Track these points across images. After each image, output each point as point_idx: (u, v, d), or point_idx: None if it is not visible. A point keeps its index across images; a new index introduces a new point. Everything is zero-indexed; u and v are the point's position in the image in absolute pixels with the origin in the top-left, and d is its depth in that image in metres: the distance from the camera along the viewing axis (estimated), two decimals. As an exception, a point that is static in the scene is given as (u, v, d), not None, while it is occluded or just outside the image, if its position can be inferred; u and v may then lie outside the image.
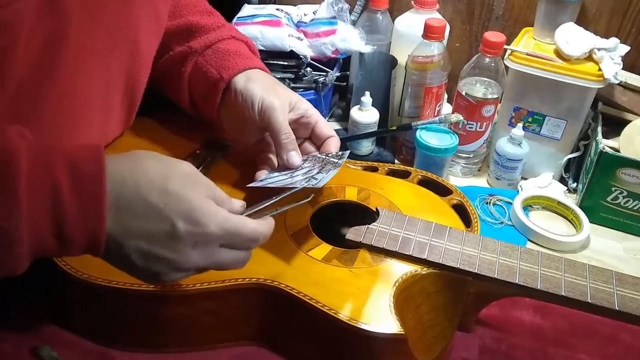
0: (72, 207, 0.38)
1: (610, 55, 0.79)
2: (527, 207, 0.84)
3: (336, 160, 0.62)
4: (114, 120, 0.64)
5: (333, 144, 0.65)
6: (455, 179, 0.91)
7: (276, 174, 0.62)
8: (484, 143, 0.88)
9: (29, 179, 0.37)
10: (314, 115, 0.65)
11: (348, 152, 0.65)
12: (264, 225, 0.47)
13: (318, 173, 0.58)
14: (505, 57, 0.83)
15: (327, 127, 0.66)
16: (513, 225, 0.81)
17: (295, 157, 0.61)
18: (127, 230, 0.41)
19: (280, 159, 0.62)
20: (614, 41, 0.79)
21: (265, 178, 0.61)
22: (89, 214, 0.39)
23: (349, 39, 0.93)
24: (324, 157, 0.64)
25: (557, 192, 0.86)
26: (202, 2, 0.72)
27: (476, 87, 0.85)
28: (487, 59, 0.83)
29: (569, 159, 0.88)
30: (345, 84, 1.00)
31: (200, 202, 0.43)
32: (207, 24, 0.68)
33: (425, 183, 0.71)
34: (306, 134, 0.66)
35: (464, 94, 0.84)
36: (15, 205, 0.36)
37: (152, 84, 0.67)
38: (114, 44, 0.56)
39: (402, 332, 0.50)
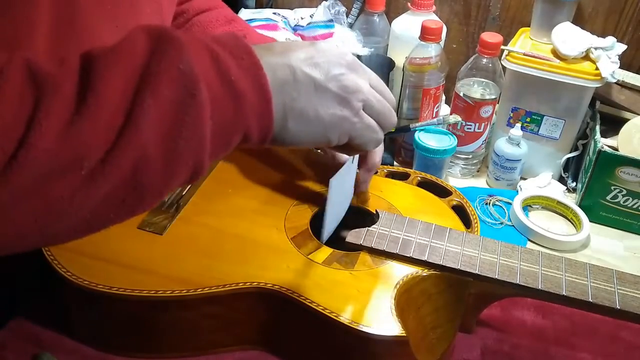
0: (229, 59, 0.40)
1: (607, 54, 0.79)
2: (526, 207, 0.84)
3: None
4: None
5: None
6: (455, 180, 0.91)
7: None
8: (482, 144, 0.88)
9: (188, 41, 0.39)
10: None
11: None
12: None
13: None
14: (502, 58, 0.83)
15: None
16: (513, 226, 0.81)
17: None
18: (285, 55, 0.44)
19: (334, 158, 0.65)
20: (610, 40, 0.80)
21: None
22: (245, 61, 0.41)
23: (346, 41, 0.93)
24: None
25: (557, 191, 0.86)
26: (223, 13, 0.73)
27: (474, 88, 0.85)
28: (485, 60, 0.83)
29: (568, 158, 0.88)
30: (343, 86, 1.00)
31: None
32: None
33: (424, 184, 0.71)
34: None
35: (461, 95, 0.84)
36: (186, 53, 0.37)
37: None
38: (120, 37, 0.56)
39: (404, 334, 0.50)
